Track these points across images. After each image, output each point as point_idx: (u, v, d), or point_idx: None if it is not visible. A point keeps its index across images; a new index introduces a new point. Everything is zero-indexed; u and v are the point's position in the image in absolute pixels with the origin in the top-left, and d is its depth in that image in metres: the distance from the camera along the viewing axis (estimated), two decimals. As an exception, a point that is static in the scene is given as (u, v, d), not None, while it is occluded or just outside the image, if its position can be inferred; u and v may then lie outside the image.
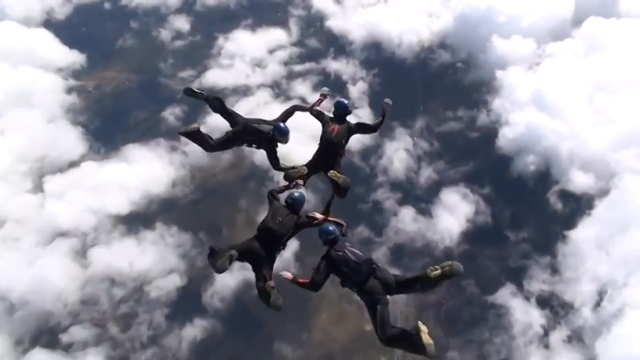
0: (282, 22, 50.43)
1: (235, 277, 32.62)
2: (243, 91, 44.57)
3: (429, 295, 33.80)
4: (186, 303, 33.23)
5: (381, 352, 31.71)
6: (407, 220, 36.99)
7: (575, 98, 39.53)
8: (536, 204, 36.61)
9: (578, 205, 35.40)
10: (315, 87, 43.69)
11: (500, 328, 32.19)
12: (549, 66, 42.23)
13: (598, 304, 30.93)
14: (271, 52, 48.11)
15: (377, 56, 47.46)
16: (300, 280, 7.83)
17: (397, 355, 31.55)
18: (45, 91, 43.25)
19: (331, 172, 8.96)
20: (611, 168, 35.42)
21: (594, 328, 30.33)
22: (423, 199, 38.30)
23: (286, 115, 9.64)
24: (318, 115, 9.73)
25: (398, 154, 40.57)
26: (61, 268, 33.70)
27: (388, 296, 7.25)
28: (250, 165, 38.45)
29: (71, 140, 40.92)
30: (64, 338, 31.54)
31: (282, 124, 9.13)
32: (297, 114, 9.89)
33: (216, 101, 9.33)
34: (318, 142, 9.41)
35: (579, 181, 35.94)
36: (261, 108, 42.04)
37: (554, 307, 32.48)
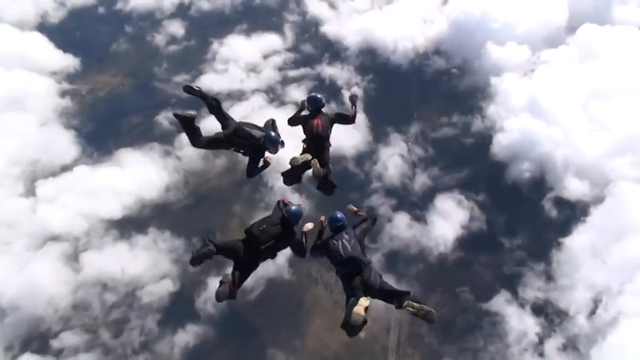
0: (277, 28, 50.49)
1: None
2: (238, 96, 44.53)
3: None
4: (178, 309, 32.94)
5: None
6: (401, 226, 36.87)
7: (570, 105, 39.65)
8: (531, 211, 36.58)
9: (573, 213, 35.43)
10: (310, 92, 43.56)
11: (494, 336, 32.06)
12: (544, 73, 42.39)
13: (593, 312, 30.90)
14: (266, 57, 48.13)
15: (372, 62, 47.56)
16: (308, 240, 8.29)
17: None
18: (38, 95, 43.02)
19: (313, 161, 9.11)
20: (606, 175, 35.54)
21: (589, 336, 30.30)
22: (417, 206, 38.21)
23: (273, 125, 9.57)
24: (296, 120, 9.73)
25: (392, 159, 40.53)
26: (53, 273, 33.42)
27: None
28: (244, 171, 38.10)
29: (64, 144, 40.69)
30: (55, 344, 31.23)
31: (273, 134, 9.05)
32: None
33: (214, 102, 9.29)
34: (305, 140, 9.48)
35: (574, 188, 35.98)
36: (255, 113, 41.92)
37: (549, 314, 32.41)
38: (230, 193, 38.03)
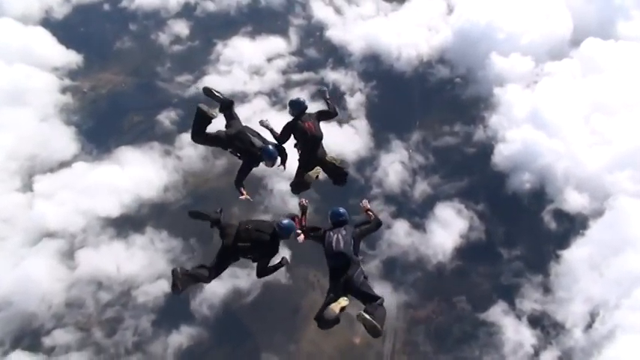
0: (281, 31, 50.38)
1: (224, 285, 32.10)
2: (240, 98, 44.25)
3: (419, 310, 33.58)
4: (173, 309, 32.67)
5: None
6: (400, 233, 36.82)
7: (572, 118, 39.76)
8: (531, 222, 36.58)
9: (572, 225, 35.42)
10: (313, 97, 43.30)
11: (490, 347, 31.96)
12: (547, 85, 42.51)
13: (590, 325, 30.85)
14: (270, 60, 47.99)
15: (375, 68, 47.50)
16: (303, 220, 8.63)
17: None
18: (39, 90, 42.81)
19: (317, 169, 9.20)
20: (606, 189, 35.60)
21: (585, 349, 30.21)
22: (417, 213, 38.15)
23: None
24: (284, 133, 9.57)
25: (393, 166, 40.49)
26: (47, 270, 33.23)
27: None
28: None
29: (63, 140, 40.50)
30: (47, 341, 30.99)
31: (271, 148, 9.00)
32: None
33: (228, 102, 9.36)
34: (299, 144, 9.39)
35: (574, 200, 36.00)
36: (257, 115, 41.63)
37: (546, 326, 32.34)
38: (229, 195, 37.32)
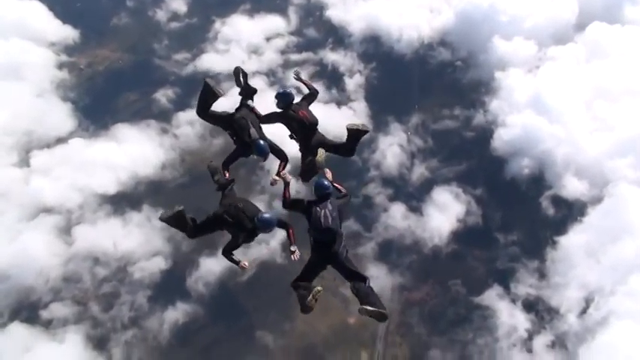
0: (281, 10, 49.79)
1: (220, 263, 32.16)
2: (238, 77, 43.85)
3: (414, 292, 33.65)
4: (169, 286, 32.96)
5: (362, 346, 31.65)
6: (397, 216, 36.76)
7: (574, 104, 39.34)
8: (528, 208, 36.46)
9: (570, 212, 35.32)
10: (312, 77, 42.96)
11: (484, 330, 32.08)
12: (550, 70, 42.01)
13: (584, 311, 30.89)
14: (268, 39, 47.53)
15: (375, 50, 46.98)
16: (286, 193, 8.53)
17: (377, 350, 31.45)
18: (35, 65, 42.55)
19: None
20: (605, 176, 35.40)
21: (578, 334, 30.30)
22: (414, 197, 38.03)
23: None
24: (271, 119, 9.54)
25: (391, 149, 40.25)
26: (44, 244, 33.46)
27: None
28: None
29: (60, 116, 40.41)
30: (44, 314, 31.36)
31: (262, 143, 8.89)
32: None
33: (252, 90, 9.67)
34: (297, 134, 9.29)
35: (573, 187, 35.86)
36: (255, 95, 41.31)
37: (540, 311, 32.41)
38: (225, 174, 37.65)
